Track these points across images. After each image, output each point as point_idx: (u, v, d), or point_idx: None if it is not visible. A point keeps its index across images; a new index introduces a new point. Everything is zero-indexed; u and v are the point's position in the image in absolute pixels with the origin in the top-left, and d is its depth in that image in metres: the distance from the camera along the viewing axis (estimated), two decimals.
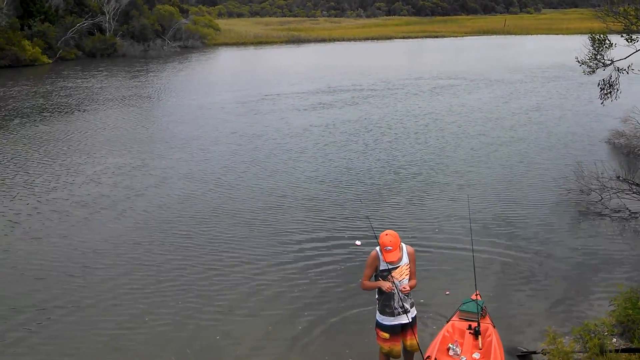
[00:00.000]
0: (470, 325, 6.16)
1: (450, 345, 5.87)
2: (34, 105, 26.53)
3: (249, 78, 36.21)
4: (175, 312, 7.96)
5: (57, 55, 51.27)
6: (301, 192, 13.19)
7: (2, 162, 16.22)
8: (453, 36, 78.49)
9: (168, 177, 14.58)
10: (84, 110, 24.98)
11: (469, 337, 6.04)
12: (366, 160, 15.82)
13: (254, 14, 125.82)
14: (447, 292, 8.31)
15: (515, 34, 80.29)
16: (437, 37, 77.82)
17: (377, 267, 5.84)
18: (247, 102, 26.21)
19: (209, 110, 24.21)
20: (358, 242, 9.71)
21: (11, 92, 30.96)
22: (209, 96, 28.34)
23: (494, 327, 6.28)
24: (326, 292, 8.54)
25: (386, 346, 6.01)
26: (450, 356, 5.76)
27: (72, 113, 24.39)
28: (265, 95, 27.93)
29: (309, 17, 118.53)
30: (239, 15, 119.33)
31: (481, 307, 6.35)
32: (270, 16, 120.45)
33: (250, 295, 8.47)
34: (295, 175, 14.60)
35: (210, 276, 9.02)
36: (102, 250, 10.09)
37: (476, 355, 5.77)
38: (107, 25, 56.34)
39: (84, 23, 54.14)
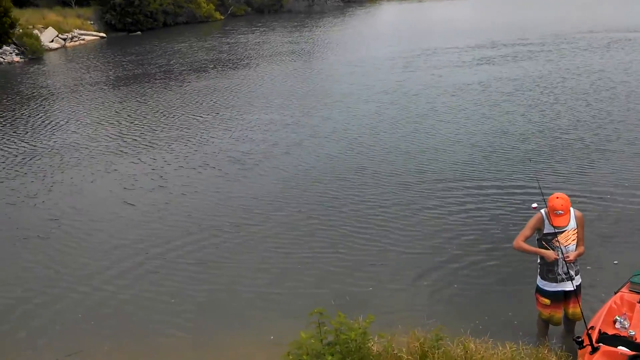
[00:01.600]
0: None
1: (618, 318, 5.42)
2: (200, 59, 28.42)
3: (409, 33, 35.59)
4: (324, 268, 8.03)
5: (229, 12, 54.15)
6: (455, 154, 12.51)
7: (164, 114, 17.49)
8: None
9: (316, 135, 14.61)
10: (243, 66, 26.24)
11: (639, 311, 5.56)
12: (526, 121, 14.73)
13: None
14: (616, 262, 7.68)
15: None
16: None
17: (540, 230, 5.61)
18: (404, 57, 25.73)
19: (364, 67, 24.16)
20: (535, 205, 9.09)
21: (183, 47, 33.48)
22: (366, 51, 28.32)
23: None
24: (482, 251, 8.20)
25: (546, 312, 5.73)
26: (617, 329, 5.31)
27: (232, 68, 25.75)
28: (424, 50, 27.25)
29: None
30: None
31: None
32: None
33: (404, 253, 8.32)
34: (450, 135, 13.93)
35: (357, 235, 8.95)
36: (250, 207, 10.29)
37: None
38: None
39: None
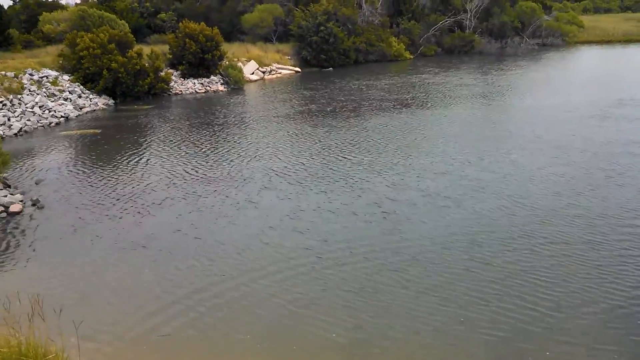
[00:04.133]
0: None
1: None
2: (379, 97, 29.24)
3: (608, 79, 33.26)
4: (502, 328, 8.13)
5: (418, 52, 54.95)
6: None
7: (328, 151, 18.22)
8: None
9: (477, 189, 13.85)
10: (419, 106, 26.45)
11: None
12: None
13: (624, 8, 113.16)
14: None
15: None
16: None
17: None
18: (592, 108, 23.96)
19: (546, 116, 22.95)
20: None
21: (368, 84, 34.72)
22: (550, 99, 26.94)
23: None
24: None
25: None
26: None
27: (408, 107, 26.06)
28: (618, 101, 25.26)
29: None
30: (607, 11, 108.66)
31: None
32: None
33: (595, 320, 8.06)
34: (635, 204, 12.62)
35: (531, 300, 8.77)
36: (393, 261, 10.40)
37: None
38: (467, 22, 57.99)
39: (446, 21, 56.76)
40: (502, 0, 60.04)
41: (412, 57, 53.59)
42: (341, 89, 33.64)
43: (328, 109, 26.31)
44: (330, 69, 46.64)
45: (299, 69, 45.96)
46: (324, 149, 18.31)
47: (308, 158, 17.25)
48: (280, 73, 43.95)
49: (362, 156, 17.26)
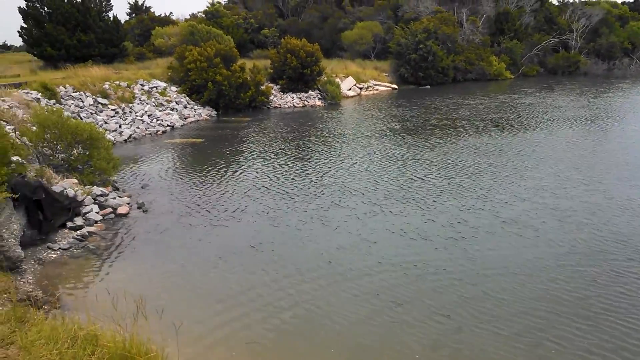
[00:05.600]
0: None
1: None
2: (481, 118, 28.68)
3: None
4: None
5: (520, 71, 53.57)
6: None
7: (410, 170, 18.13)
8: None
9: (563, 219, 13.29)
10: (524, 127, 25.73)
11: None
12: None
13: None
14: None
15: None
16: None
17: None
18: None
19: None
20: None
21: (466, 103, 34.19)
22: None
23: None
24: None
25: None
26: None
27: (511, 128, 25.44)
28: None
29: None
30: None
31: None
32: None
33: None
34: None
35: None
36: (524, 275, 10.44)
37: None
38: (573, 42, 55.93)
39: (551, 40, 55.00)
40: (611, 21, 57.48)
41: (512, 76, 52.35)
42: (436, 107, 33.38)
43: (419, 128, 26.23)
44: (428, 86, 46.41)
45: (395, 86, 46.05)
46: (407, 169, 18.26)
47: (390, 177, 17.28)
48: (377, 90, 44.22)
49: (443, 178, 17.04)
